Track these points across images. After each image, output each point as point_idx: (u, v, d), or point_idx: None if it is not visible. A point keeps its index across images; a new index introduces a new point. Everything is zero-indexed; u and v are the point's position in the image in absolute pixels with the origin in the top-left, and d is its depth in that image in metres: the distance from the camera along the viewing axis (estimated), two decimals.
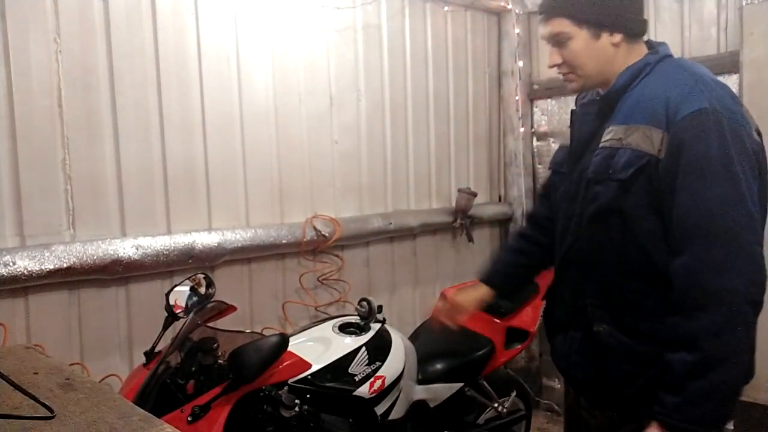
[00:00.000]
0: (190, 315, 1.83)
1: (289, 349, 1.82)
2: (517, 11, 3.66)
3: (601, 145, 1.45)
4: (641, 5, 1.50)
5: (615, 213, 1.41)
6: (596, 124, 1.51)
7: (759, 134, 1.40)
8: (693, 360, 1.28)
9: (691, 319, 1.28)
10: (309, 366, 1.88)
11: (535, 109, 3.81)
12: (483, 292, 1.84)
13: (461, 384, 2.36)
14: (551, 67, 1.52)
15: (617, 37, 1.45)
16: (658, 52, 1.48)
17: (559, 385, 3.68)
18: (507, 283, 1.86)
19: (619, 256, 1.43)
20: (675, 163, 1.32)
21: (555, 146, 3.71)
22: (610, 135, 1.44)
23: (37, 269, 2.01)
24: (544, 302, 1.76)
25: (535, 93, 3.76)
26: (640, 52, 1.49)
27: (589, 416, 1.63)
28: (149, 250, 2.26)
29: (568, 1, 1.45)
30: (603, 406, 1.57)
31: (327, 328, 2.10)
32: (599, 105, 1.51)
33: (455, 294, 1.88)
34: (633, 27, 1.46)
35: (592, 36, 1.44)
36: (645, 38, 1.53)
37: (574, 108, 1.67)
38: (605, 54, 1.46)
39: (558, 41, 1.47)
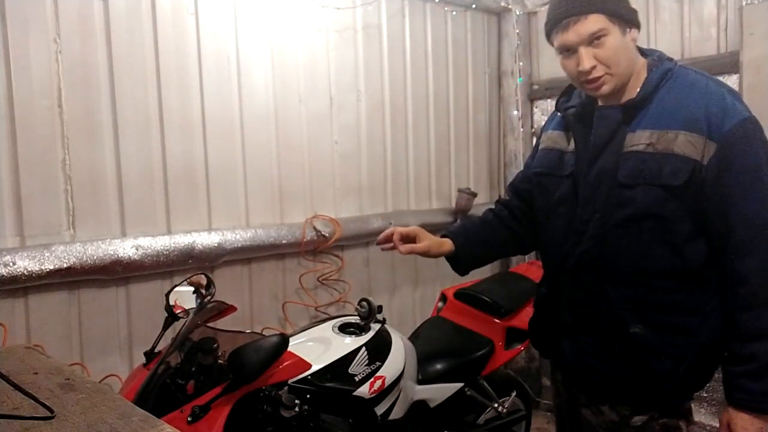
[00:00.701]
0: (190, 315, 1.83)
1: (289, 349, 1.82)
2: (517, 11, 3.67)
3: (629, 149, 1.45)
4: None
5: (652, 217, 1.43)
6: (614, 128, 1.49)
7: None
8: None
9: None
10: (309, 366, 1.88)
11: (534, 110, 3.81)
12: (444, 240, 1.79)
13: (461, 384, 2.35)
14: (587, 71, 1.43)
15: (635, 33, 1.46)
16: (671, 59, 1.52)
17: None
18: (466, 245, 1.80)
19: (651, 258, 1.46)
20: (728, 170, 1.38)
21: None
22: (636, 140, 1.44)
23: (37, 269, 2.01)
24: (534, 309, 1.75)
25: (534, 93, 3.76)
26: (639, 54, 1.52)
27: (590, 413, 1.62)
28: (149, 251, 2.26)
29: None
30: (613, 403, 1.57)
31: (327, 329, 2.10)
32: (623, 109, 1.48)
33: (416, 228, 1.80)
34: (639, 25, 1.48)
35: (621, 31, 1.43)
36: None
37: (561, 113, 1.64)
38: (631, 50, 1.46)
39: (593, 39, 1.41)
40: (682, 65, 1.52)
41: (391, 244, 1.74)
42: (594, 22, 1.41)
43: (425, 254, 1.77)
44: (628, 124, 1.47)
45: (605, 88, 1.46)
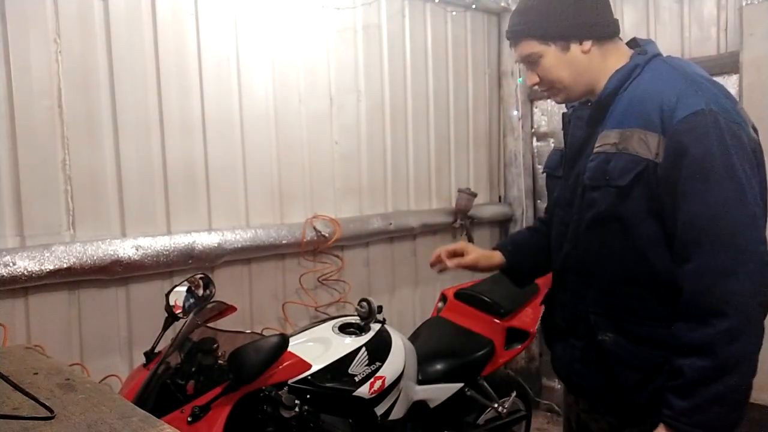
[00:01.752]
0: (190, 315, 1.83)
1: (289, 349, 1.82)
2: None
3: (595, 150, 1.44)
4: (607, 7, 1.48)
5: (614, 219, 1.40)
6: (589, 129, 1.49)
7: (755, 131, 1.38)
8: (705, 365, 1.26)
9: (704, 325, 1.26)
10: (309, 366, 1.88)
11: (534, 110, 3.82)
12: (493, 253, 1.80)
13: (461, 384, 2.35)
14: (532, 86, 1.55)
15: (587, 45, 1.44)
16: (646, 52, 1.46)
17: (559, 386, 3.68)
18: (517, 253, 1.79)
19: (619, 263, 1.41)
20: (676, 168, 1.29)
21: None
22: (603, 140, 1.42)
23: (37, 270, 2.01)
24: (543, 307, 1.75)
25: (534, 93, 3.76)
26: (618, 52, 1.48)
27: (588, 419, 1.62)
28: (149, 251, 2.26)
29: (530, 23, 1.46)
30: (604, 411, 1.56)
31: (327, 329, 2.10)
32: (591, 110, 1.50)
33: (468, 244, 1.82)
34: (601, 30, 1.45)
35: (560, 49, 1.44)
36: (622, 36, 1.52)
37: (566, 111, 1.66)
38: (578, 63, 1.45)
39: (530, 61, 1.49)
40: (664, 57, 1.47)
41: (443, 264, 1.77)
42: (525, 47, 1.48)
43: (474, 267, 1.78)
44: (599, 125, 1.46)
45: (557, 99, 1.55)
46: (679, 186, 1.29)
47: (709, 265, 1.26)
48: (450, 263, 1.75)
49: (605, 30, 1.46)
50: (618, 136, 1.38)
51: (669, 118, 1.31)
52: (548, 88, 1.52)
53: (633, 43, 1.52)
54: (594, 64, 1.46)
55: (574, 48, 1.44)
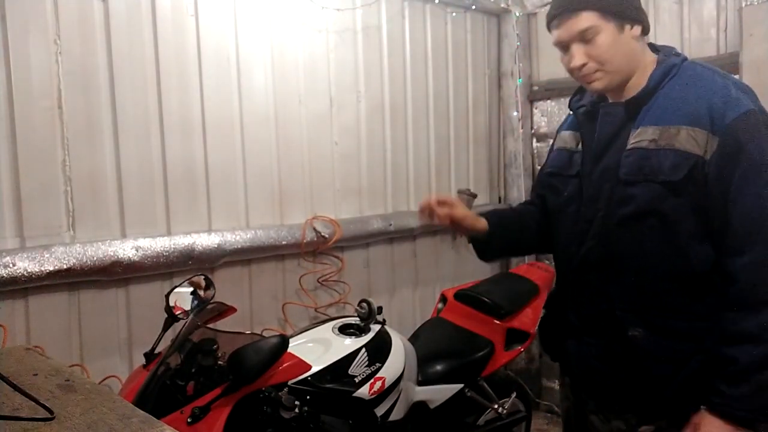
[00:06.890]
0: (190, 316, 1.83)
1: (289, 350, 1.82)
2: (516, 13, 3.67)
3: (630, 146, 1.44)
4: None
5: (653, 215, 1.41)
6: (619, 126, 1.49)
7: None
8: (759, 352, 1.33)
9: (758, 313, 1.33)
10: (309, 367, 1.88)
11: (534, 111, 3.82)
12: (479, 217, 1.72)
13: (461, 385, 2.35)
14: (578, 67, 1.45)
15: (637, 30, 1.44)
16: (679, 55, 1.50)
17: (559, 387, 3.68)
18: (499, 226, 1.73)
19: (654, 258, 1.43)
20: (731, 163, 1.34)
21: None
22: (640, 136, 1.42)
23: (37, 270, 2.01)
24: (544, 310, 1.74)
25: (534, 94, 3.77)
26: (647, 50, 1.50)
27: (600, 421, 1.61)
28: (149, 252, 2.26)
29: None
30: (622, 410, 1.55)
31: (327, 330, 2.10)
32: (626, 106, 1.48)
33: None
34: (646, 21, 1.47)
35: (617, 28, 1.42)
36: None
37: (572, 112, 1.64)
38: (629, 47, 1.44)
39: (585, 37, 1.42)
40: (691, 60, 1.50)
41: (432, 211, 1.66)
42: (585, 20, 1.41)
43: (461, 222, 1.67)
44: (632, 121, 1.46)
45: (597, 84, 1.47)
46: (734, 181, 1.34)
47: (765, 257, 1.34)
48: (440, 211, 1.65)
49: (648, 22, 1.47)
50: (658, 133, 1.40)
51: (720, 117, 1.35)
52: (593, 71, 1.45)
53: (651, 47, 1.53)
54: (638, 53, 1.46)
55: (627, 30, 1.43)
